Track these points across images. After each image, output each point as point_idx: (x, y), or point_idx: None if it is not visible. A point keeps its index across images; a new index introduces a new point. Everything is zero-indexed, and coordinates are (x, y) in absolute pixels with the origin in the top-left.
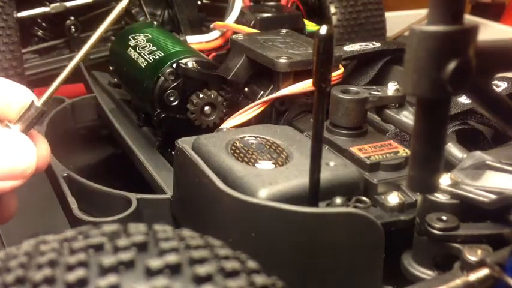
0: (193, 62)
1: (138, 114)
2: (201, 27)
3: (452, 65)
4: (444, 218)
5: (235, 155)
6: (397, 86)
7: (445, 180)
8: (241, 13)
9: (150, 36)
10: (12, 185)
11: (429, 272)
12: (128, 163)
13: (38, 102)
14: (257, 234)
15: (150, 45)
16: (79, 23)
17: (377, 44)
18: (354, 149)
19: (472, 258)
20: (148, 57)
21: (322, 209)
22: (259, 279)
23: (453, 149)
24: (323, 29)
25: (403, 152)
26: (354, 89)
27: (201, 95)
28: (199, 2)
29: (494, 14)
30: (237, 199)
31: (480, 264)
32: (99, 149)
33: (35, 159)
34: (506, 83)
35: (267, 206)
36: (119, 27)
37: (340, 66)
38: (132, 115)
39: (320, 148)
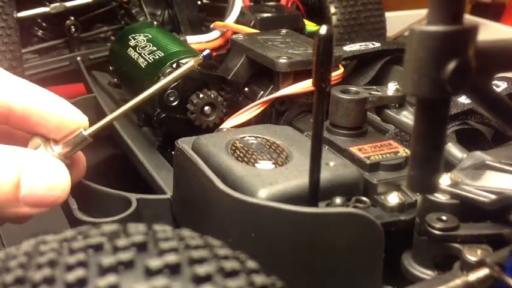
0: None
1: (138, 114)
2: (201, 27)
3: (452, 65)
4: (444, 218)
5: (235, 155)
6: (397, 86)
7: (445, 180)
8: (241, 13)
9: (150, 36)
10: (38, 212)
11: (429, 272)
12: (128, 163)
13: (86, 132)
14: (257, 234)
15: (150, 45)
16: (79, 23)
17: (377, 44)
18: (354, 149)
19: (472, 258)
20: (148, 57)
21: (322, 209)
22: (259, 279)
23: (453, 149)
24: (323, 29)
25: (403, 152)
26: (353, 89)
27: (201, 95)
28: (199, 2)
29: (494, 14)
30: (236, 199)
31: (480, 264)
32: (99, 149)
33: (67, 190)
34: (506, 83)
35: (266, 206)
36: (119, 27)
37: (340, 66)
38: (132, 115)
39: (320, 148)
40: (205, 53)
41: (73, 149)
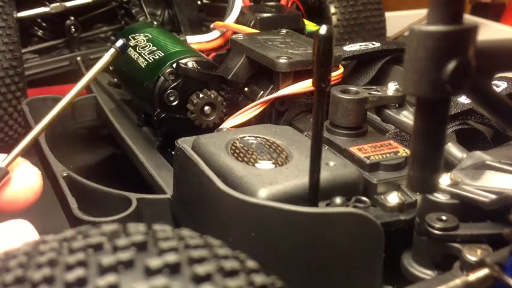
0: (193, 62)
1: (138, 114)
2: (201, 27)
3: (452, 65)
4: (444, 218)
5: (235, 155)
6: (397, 86)
7: (445, 180)
8: (241, 13)
9: (150, 36)
10: None
11: (429, 272)
12: (128, 163)
13: (2, 163)
14: (257, 234)
15: (150, 45)
16: (79, 23)
17: (377, 44)
18: (354, 149)
19: (472, 258)
20: (148, 57)
21: (322, 209)
22: (259, 278)
23: (453, 149)
24: (323, 29)
25: (403, 152)
26: (353, 89)
27: (201, 95)
28: (199, 2)
29: (494, 14)
30: (237, 199)
31: (480, 264)
32: (99, 149)
33: None
34: (506, 83)
35: (266, 206)
36: (119, 27)
37: (340, 66)
38: (132, 115)
39: (320, 148)
40: (118, 44)
41: None
